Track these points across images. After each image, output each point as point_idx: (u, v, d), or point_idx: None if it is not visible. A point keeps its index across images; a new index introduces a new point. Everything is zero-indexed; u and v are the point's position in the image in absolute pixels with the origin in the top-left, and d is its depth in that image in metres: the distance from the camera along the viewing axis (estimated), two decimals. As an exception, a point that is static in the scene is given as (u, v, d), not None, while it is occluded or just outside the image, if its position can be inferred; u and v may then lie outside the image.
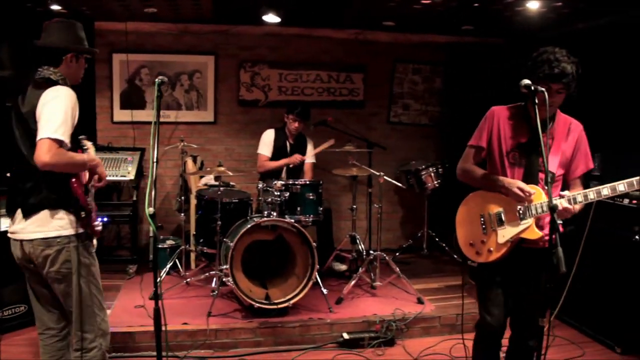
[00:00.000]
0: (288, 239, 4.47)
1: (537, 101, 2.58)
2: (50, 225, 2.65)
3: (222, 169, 4.65)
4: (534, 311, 2.80)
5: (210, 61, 6.17)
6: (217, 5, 5.05)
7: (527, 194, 2.71)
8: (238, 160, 6.32)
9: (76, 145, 2.74)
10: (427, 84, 6.80)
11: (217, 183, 5.05)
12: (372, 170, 5.13)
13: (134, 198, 5.61)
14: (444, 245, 6.03)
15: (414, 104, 6.80)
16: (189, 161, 5.57)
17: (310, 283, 4.41)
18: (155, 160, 2.41)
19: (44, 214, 2.65)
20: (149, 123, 5.99)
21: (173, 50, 6.05)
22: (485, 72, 6.29)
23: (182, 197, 5.27)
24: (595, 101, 5.03)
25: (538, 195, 2.73)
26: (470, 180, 2.98)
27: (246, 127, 6.35)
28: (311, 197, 4.75)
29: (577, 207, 2.69)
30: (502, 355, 3.09)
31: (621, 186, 2.63)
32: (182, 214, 5.21)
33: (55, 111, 2.55)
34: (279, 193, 4.52)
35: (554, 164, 2.81)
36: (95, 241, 2.84)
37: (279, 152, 5.49)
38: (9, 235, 2.78)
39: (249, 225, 4.30)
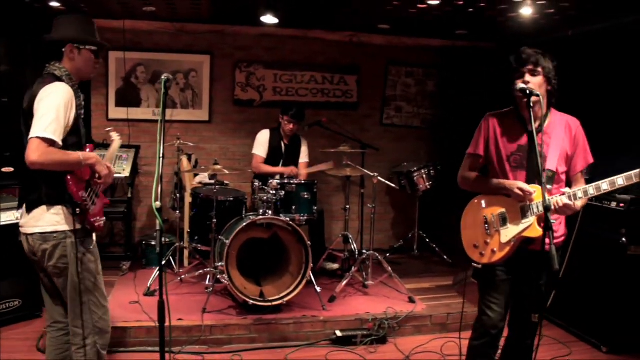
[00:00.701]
0: (283, 237, 4.52)
1: (532, 104, 2.69)
2: (47, 220, 2.68)
3: (218, 167, 4.69)
4: (532, 310, 2.89)
5: (206, 61, 6.21)
6: (215, 6, 5.10)
7: (528, 193, 2.77)
8: (232, 160, 6.36)
9: (78, 142, 2.75)
10: (420, 86, 6.89)
11: (211, 181, 5.09)
12: (366, 171, 5.20)
13: (129, 195, 5.64)
14: (434, 246, 6.11)
15: (407, 107, 6.88)
16: (184, 159, 5.61)
17: (305, 281, 4.47)
18: (161, 155, 2.45)
19: (42, 209, 2.68)
20: (144, 121, 6.10)
21: (169, 49, 6.08)
22: (478, 76, 6.39)
23: (177, 195, 5.31)
24: (584, 106, 5.14)
25: (539, 194, 2.78)
26: (472, 186, 3.05)
27: (241, 127, 6.39)
28: (306, 197, 4.82)
29: (579, 203, 2.72)
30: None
31: (620, 180, 2.64)
32: (178, 212, 5.24)
33: (47, 109, 2.56)
34: (274, 191, 4.58)
35: (554, 162, 2.86)
36: (94, 236, 2.83)
37: (274, 152, 5.55)
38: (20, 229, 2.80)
39: (244, 223, 4.35)
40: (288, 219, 4.54)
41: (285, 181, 4.83)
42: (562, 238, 3.01)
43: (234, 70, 6.32)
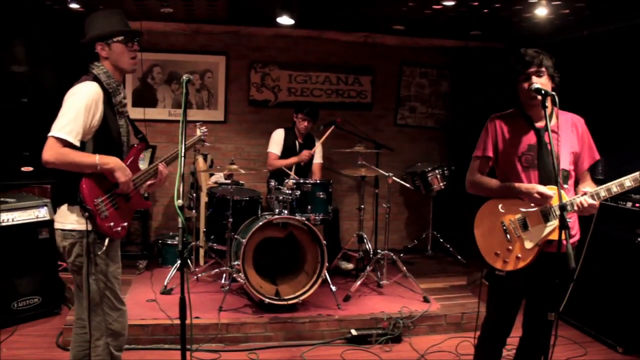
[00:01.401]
0: (299, 236, 4.56)
1: (547, 104, 2.69)
2: (68, 218, 2.71)
3: (234, 167, 4.74)
4: (548, 311, 2.90)
5: (222, 61, 6.26)
6: (232, 6, 5.15)
7: (548, 197, 2.73)
8: (247, 160, 6.41)
9: (112, 142, 2.75)
10: (434, 87, 6.91)
11: (227, 181, 5.14)
12: (381, 171, 5.22)
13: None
14: (448, 246, 6.12)
15: (421, 107, 6.90)
16: (200, 159, 5.66)
17: (320, 280, 4.50)
18: (183, 155, 2.48)
19: (65, 206, 2.72)
20: (161, 121, 6.16)
21: (185, 50, 6.14)
22: (491, 76, 6.38)
23: (194, 195, 5.36)
24: (598, 106, 5.14)
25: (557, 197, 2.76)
26: (483, 191, 2.96)
27: (256, 127, 6.44)
28: (321, 196, 4.85)
29: (599, 202, 2.72)
30: (505, 353, 3.14)
31: (627, 182, 2.67)
32: (194, 211, 5.30)
33: (67, 109, 2.58)
34: (290, 191, 4.61)
35: (566, 161, 2.85)
36: (107, 241, 2.75)
37: (288, 151, 5.60)
38: None
39: (261, 223, 4.39)
40: (304, 218, 4.58)
41: (301, 181, 4.86)
42: (577, 237, 3.00)
43: (249, 71, 6.37)
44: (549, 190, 2.75)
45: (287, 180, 4.67)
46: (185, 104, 2.61)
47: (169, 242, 5.61)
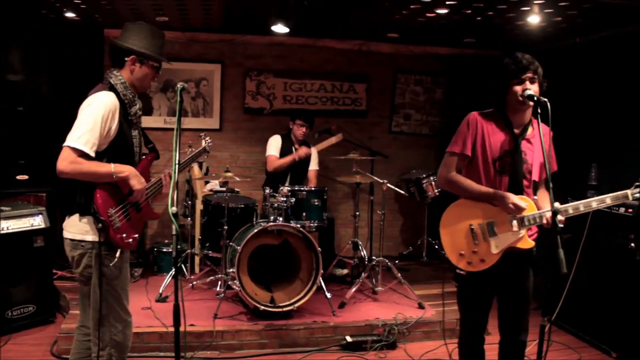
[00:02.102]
0: (293, 243, 4.57)
1: (539, 110, 2.71)
2: (78, 228, 2.69)
3: (229, 174, 4.75)
4: (523, 307, 2.93)
5: (217, 69, 6.29)
6: (226, 15, 5.19)
7: (521, 209, 2.75)
8: (243, 167, 6.43)
9: (127, 152, 2.76)
10: (428, 94, 6.94)
11: (222, 189, 5.15)
12: (375, 178, 5.24)
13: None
14: (443, 253, 6.11)
15: (415, 114, 6.93)
16: (195, 167, 5.67)
17: (315, 287, 4.51)
18: (177, 162, 2.49)
19: (76, 216, 2.70)
20: (156, 129, 6.17)
21: (181, 58, 6.15)
22: (485, 84, 6.41)
23: (189, 202, 5.37)
24: (592, 112, 5.18)
25: (530, 207, 2.79)
26: (458, 190, 2.92)
27: (251, 135, 6.46)
28: (316, 203, 4.86)
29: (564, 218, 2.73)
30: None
31: (608, 199, 2.74)
32: (189, 219, 5.30)
33: (84, 119, 2.57)
34: (285, 198, 4.63)
35: (536, 171, 2.88)
36: (118, 253, 2.74)
37: (285, 157, 5.60)
38: None
39: (255, 230, 4.40)
40: (298, 225, 4.59)
41: (296, 188, 4.88)
42: (535, 235, 2.96)
43: (245, 79, 6.40)
44: (523, 202, 2.77)
45: (281, 188, 4.69)
46: (179, 112, 2.63)
47: (164, 249, 5.61)
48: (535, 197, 2.90)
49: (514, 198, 2.76)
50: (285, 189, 4.69)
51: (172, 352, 3.95)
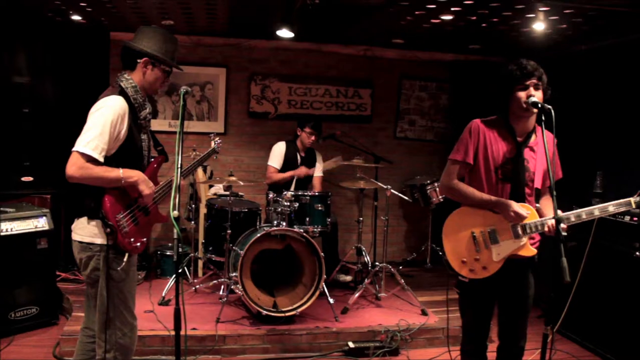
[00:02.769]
0: (296, 248, 4.56)
1: (543, 118, 2.69)
2: (86, 231, 2.70)
3: (233, 178, 4.76)
4: (523, 314, 2.94)
5: (222, 73, 6.31)
6: (232, 19, 5.20)
7: (522, 217, 2.76)
8: (247, 171, 6.43)
9: (135, 155, 2.76)
10: (433, 100, 6.94)
11: (226, 193, 5.15)
12: (379, 184, 5.23)
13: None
14: (446, 259, 6.10)
15: (420, 120, 6.93)
16: (199, 171, 5.68)
17: (318, 292, 4.50)
18: (179, 166, 2.49)
19: (84, 219, 2.71)
20: (161, 132, 6.17)
21: (186, 62, 6.14)
22: (490, 90, 6.40)
23: (193, 206, 5.37)
24: (597, 120, 5.16)
25: (532, 215, 2.79)
26: (459, 197, 2.93)
27: (255, 139, 6.47)
28: (320, 208, 4.85)
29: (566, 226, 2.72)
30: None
31: (611, 207, 2.74)
32: (193, 222, 5.31)
33: (93, 123, 2.57)
34: (288, 203, 4.62)
35: (539, 179, 2.88)
36: (126, 257, 2.75)
37: (289, 164, 5.59)
38: None
39: (258, 234, 4.40)
40: (302, 230, 4.58)
41: (299, 193, 4.87)
42: (537, 243, 2.97)
43: (250, 83, 6.41)
44: (525, 210, 2.77)
45: (285, 192, 4.69)
46: (182, 115, 2.63)
47: (168, 253, 5.61)
48: (538, 205, 2.89)
49: (515, 206, 2.76)
50: (289, 193, 4.68)
51: (174, 355, 3.97)
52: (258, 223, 5.09)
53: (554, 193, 2.60)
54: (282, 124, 6.41)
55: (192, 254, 5.28)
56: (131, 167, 2.73)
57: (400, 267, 6.09)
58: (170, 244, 5.97)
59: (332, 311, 4.61)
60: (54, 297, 4.66)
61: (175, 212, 2.36)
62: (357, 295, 4.94)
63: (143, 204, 2.83)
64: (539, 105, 2.70)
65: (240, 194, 5.76)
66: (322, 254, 4.51)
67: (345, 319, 4.65)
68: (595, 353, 4.42)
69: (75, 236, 2.74)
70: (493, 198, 2.82)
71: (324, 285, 4.58)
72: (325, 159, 5.83)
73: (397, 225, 6.91)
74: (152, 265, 5.78)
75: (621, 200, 2.73)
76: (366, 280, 5.09)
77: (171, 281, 4.98)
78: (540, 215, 2.83)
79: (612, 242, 4.30)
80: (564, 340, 4.67)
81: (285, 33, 4.82)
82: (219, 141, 4.01)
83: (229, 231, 4.76)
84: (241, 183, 4.80)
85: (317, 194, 4.96)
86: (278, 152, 5.59)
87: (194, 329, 4.23)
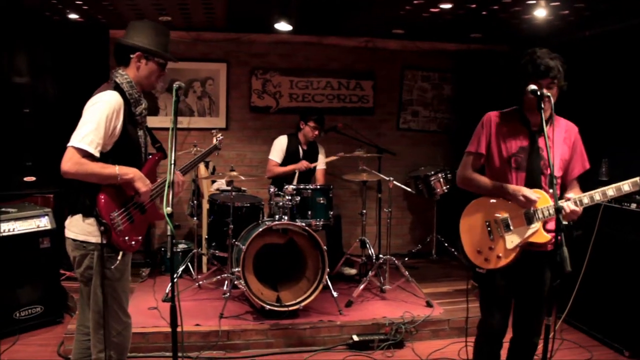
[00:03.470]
0: (299, 242, 4.54)
1: (543, 106, 2.66)
2: (81, 229, 2.67)
3: (234, 173, 4.74)
4: (538, 309, 2.90)
5: (223, 68, 6.28)
6: (229, 14, 5.17)
7: (532, 201, 2.75)
8: (249, 166, 6.42)
9: (132, 152, 2.73)
10: (436, 91, 6.88)
11: (229, 188, 5.14)
12: (381, 175, 5.20)
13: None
14: (452, 250, 6.08)
15: (423, 111, 6.87)
16: (201, 166, 5.66)
17: (321, 286, 4.48)
18: (172, 162, 2.46)
19: (79, 217, 2.68)
20: (162, 129, 6.11)
21: (186, 58, 6.13)
22: (494, 79, 6.35)
23: (195, 202, 5.36)
24: (602, 107, 5.09)
25: (543, 200, 2.78)
26: (473, 187, 3.00)
27: (257, 134, 6.45)
28: (322, 202, 4.83)
29: (582, 208, 2.74)
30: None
31: (626, 186, 2.67)
32: (195, 218, 5.29)
33: (88, 118, 2.54)
34: (290, 197, 4.60)
35: (556, 167, 2.84)
36: (120, 255, 2.73)
37: (291, 158, 5.57)
38: None
39: (260, 229, 4.38)
40: (304, 224, 4.56)
41: (301, 186, 4.85)
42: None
43: (250, 78, 6.38)
44: (534, 194, 2.77)
45: (286, 186, 4.66)
46: (176, 111, 2.60)
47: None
48: (551, 191, 2.86)
49: (524, 190, 2.79)
50: (290, 187, 4.66)
51: (180, 351, 3.98)
52: (261, 217, 5.08)
53: (555, 182, 2.58)
54: (284, 118, 6.38)
55: (195, 250, 5.27)
56: (128, 164, 2.70)
57: (406, 259, 6.07)
58: (174, 241, 5.95)
59: (336, 304, 4.59)
60: (58, 296, 4.67)
61: (169, 209, 2.34)
62: (361, 288, 4.92)
63: (139, 202, 2.80)
64: (538, 93, 2.67)
65: (243, 188, 5.75)
66: (325, 247, 4.49)
67: (350, 312, 4.62)
68: (602, 342, 4.37)
69: (69, 233, 2.72)
70: (503, 185, 2.86)
71: (328, 279, 4.56)
72: (328, 152, 5.79)
73: (402, 217, 6.88)
74: (157, 261, 5.78)
75: (637, 179, 2.66)
76: (370, 273, 5.06)
77: (174, 278, 4.96)
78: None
79: (618, 230, 4.24)
80: (571, 329, 4.62)
81: (283, 26, 4.79)
82: (220, 137, 3.99)
83: (231, 226, 4.75)
84: (242, 178, 4.78)
85: (318, 187, 4.93)
86: (279, 146, 5.56)
87: (197, 324, 4.22)
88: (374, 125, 6.72)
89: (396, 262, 5.06)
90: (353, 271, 5.64)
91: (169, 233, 2.32)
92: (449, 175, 5.99)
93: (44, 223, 4.52)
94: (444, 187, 5.97)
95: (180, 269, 5.21)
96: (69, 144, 2.51)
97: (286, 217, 4.54)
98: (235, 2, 4.73)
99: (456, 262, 6.10)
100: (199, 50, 6.21)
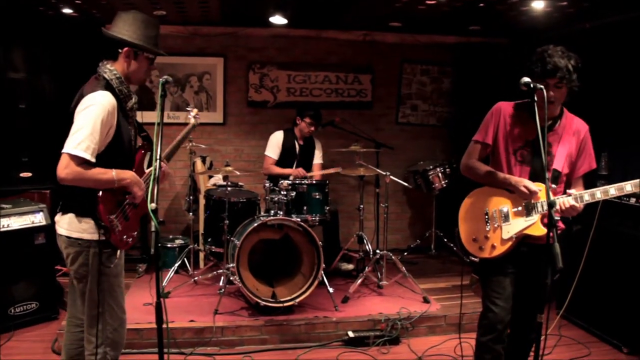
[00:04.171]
0: (294, 238, 4.51)
1: (536, 99, 2.62)
2: (75, 226, 2.63)
3: (229, 168, 4.71)
4: (535, 305, 2.85)
5: (220, 63, 6.24)
6: (224, 9, 5.12)
7: (534, 192, 2.75)
8: (247, 161, 6.38)
9: (124, 147, 2.70)
10: (435, 84, 6.82)
11: (225, 183, 5.11)
12: (378, 170, 5.15)
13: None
14: (451, 245, 6.03)
15: (422, 105, 6.82)
16: (198, 161, 5.64)
17: (316, 282, 4.45)
18: (158, 157, 2.41)
19: (72, 215, 2.64)
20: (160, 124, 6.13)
21: (183, 53, 6.11)
22: (494, 72, 6.29)
23: (191, 197, 5.34)
24: (601, 100, 5.02)
25: (544, 193, 2.75)
26: (475, 176, 3.01)
27: (255, 128, 6.41)
28: (317, 197, 4.80)
29: (582, 205, 2.73)
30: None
31: (629, 186, 2.67)
32: (191, 214, 5.27)
33: (83, 123, 2.47)
34: (285, 192, 4.56)
35: (560, 162, 2.85)
36: (119, 252, 2.73)
37: (288, 153, 5.53)
38: None
39: (255, 224, 4.35)
40: (299, 219, 4.52)
41: (296, 182, 4.81)
42: (562, 226, 3.00)
43: (248, 72, 6.34)
44: (536, 186, 2.77)
45: (281, 182, 4.63)
46: (162, 105, 2.53)
47: (169, 245, 5.59)
48: (554, 186, 2.88)
49: (527, 182, 2.79)
50: (286, 182, 4.62)
51: (172, 348, 3.97)
52: (257, 213, 5.05)
53: (547, 176, 2.58)
54: (281, 112, 6.34)
55: (191, 246, 5.25)
56: (120, 161, 2.66)
57: (405, 254, 6.03)
58: (171, 236, 5.95)
59: (332, 300, 4.55)
60: (53, 292, 4.65)
61: (153, 205, 2.31)
62: (358, 283, 4.89)
63: (132, 201, 2.77)
64: (531, 86, 2.63)
65: (241, 184, 5.71)
66: (321, 243, 4.45)
67: (346, 308, 4.59)
68: (601, 339, 4.33)
69: (61, 230, 2.67)
70: (506, 176, 2.87)
71: (324, 275, 4.52)
72: (324, 147, 5.75)
73: (401, 212, 6.84)
74: (153, 257, 5.74)
75: (637, 180, 2.65)
76: (367, 269, 5.03)
77: (171, 273, 4.96)
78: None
79: (617, 225, 4.20)
80: (569, 325, 4.59)
81: (278, 20, 4.75)
82: (196, 114, 3.77)
83: (226, 222, 4.72)
84: (237, 173, 4.75)
85: (314, 182, 4.90)
86: (275, 142, 5.52)
87: (191, 320, 4.20)
88: (373, 119, 6.67)
89: (393, 257, 5.02)
90: (350, 267, 5.60)
91: (152, 229, 2.29)
92: (447, 170, 5.94)
93: (39, 219, 4.51)
94: (443, 182, 5.92)
95: (177, 264, 5.19)
96: (64, 151, 2.45)
97: (281, 213, 4.51)
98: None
99: (455, 258, 6.06)
100: (196, 45, 6.17)
